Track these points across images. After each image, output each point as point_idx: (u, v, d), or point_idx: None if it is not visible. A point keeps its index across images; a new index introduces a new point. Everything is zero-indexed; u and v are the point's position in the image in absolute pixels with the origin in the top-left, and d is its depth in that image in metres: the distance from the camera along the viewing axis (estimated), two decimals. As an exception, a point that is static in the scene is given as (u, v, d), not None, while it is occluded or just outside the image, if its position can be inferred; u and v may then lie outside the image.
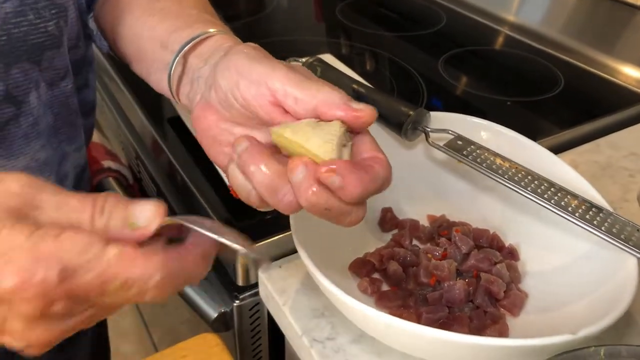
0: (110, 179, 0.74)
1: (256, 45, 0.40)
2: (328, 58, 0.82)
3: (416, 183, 0.54)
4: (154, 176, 0.69)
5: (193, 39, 0.42)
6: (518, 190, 0.44)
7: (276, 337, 0.58)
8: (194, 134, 0.41)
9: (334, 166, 0.32)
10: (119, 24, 0.50)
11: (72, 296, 0.28)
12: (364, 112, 0.35)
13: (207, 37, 0.43)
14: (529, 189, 0.44)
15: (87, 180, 0.59)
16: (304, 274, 0.49)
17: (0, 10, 0.41)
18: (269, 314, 0.53)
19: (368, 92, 0.54)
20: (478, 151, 0.48)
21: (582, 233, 0.43)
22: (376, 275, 0.48)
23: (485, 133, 0.53)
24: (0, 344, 0.30)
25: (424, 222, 0.54)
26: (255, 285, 0.53)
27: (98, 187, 0.73)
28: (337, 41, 0.98)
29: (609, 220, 0.43)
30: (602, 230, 0.42)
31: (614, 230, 0.42)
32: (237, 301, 0.54)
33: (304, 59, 0.63)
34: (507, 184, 0.45)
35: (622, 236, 0.42)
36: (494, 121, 0.54)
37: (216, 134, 0.39)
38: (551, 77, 0.84)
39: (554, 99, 0.79)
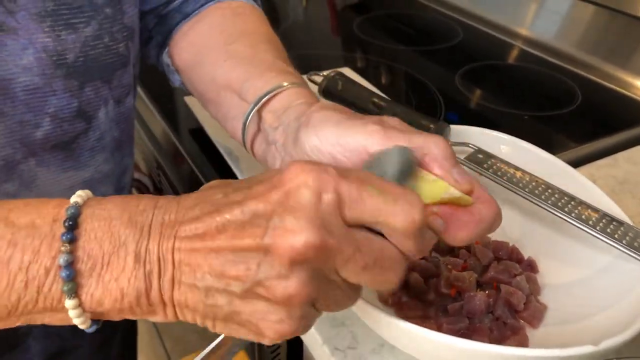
0: (132, 189, 0.75)
1: (331, 103, 0.40)
2: (347, 72, 0.84)
3: (435, 195, 0.54)
4: (175, 185, 0.70)
5: (266, 94, 0.43)
6: (539, 203, 0.45)
7: (295, 346, 0.59)
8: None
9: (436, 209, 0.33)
10: (195, 66, 0.52)
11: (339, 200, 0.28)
12: (463, 182, 0.35)
13: (280, 92, 0.43)
14: (549, 202, 0.45)
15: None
16: (325, 284, 0.50)
17: (81, 34, 0.44)
18: (289, 322, 0.53)
19: (389, 105, 0.55)
20: (498, 164, 0.48)
21: (602, 246, 0.44)
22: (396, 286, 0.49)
23: (505, 147, 0.54)
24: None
25: (443, 234, 0.54)
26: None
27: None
28: (355, 55, 1.00)
29: (630, 233, 0.43)
30: (623, 243, 0.42)
31: (635, 243, 0.42)
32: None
33: (324, 73, 0.65)
34: (527, 197, 0.45)
35: (643, 250, 0.42)
36: (511, 135, 0.54)
37: None
38: (568, 91, 0.85)
39: (571, 114, 0.80)
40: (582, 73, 0.90)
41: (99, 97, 0.47)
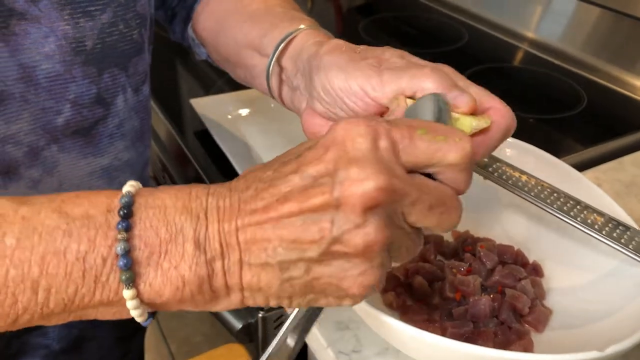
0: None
1: (340, 43, 0.41)
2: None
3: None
4: (180, 188, 0.71)
5: (281, 42, 0.44)
6: (544, 207, 0.45)
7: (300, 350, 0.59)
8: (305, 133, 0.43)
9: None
10: (218, 32, 0.53)
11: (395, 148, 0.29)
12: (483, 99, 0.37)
13: (294, 37, 0.44)
14: (555, 206, 0.45)
15: None
16: (329, 287, 0.50)
17: (98, 21, 0.46)
18: (293, 325, 0.53)
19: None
20: (504, 168, 0.48)
21: (607, 250, 0.44)
22: (401, 290, 0.49)
23: (510, 150, 0.53)
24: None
25: (448, 237, 0.54)
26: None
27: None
28: (360, 57, 1.00)
29: (636, 238, 0.43)
30: (629, 248, 0.42)
31: (640, 248, 0.42)
32: (262, 312, 0.55)
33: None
34: (533, 201, 0.45)
35: (649, 254, 0.42)
36: (516, 138, 0.54)
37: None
38: (574, 94, 0.85)
39: (577, 117, 0.79)
40: (588, 75, 0.90)
41: (116, 83, 0.49)
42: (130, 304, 0.29)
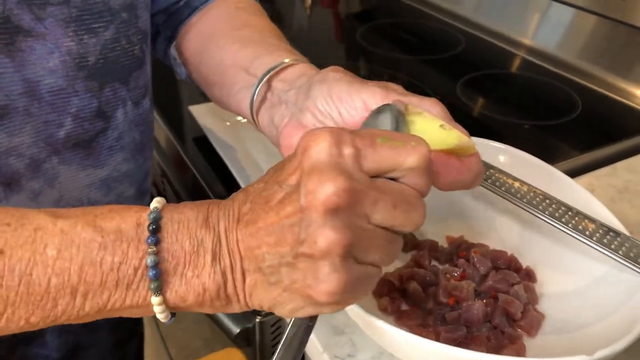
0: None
1: (341, 68, 0.43)
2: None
3: (435, 204, 0.55)
4: (179, 193, 0.71)
5: (278, 65, 0.45)
6: (536, 213, 0.45)
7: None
8: (279, 150, 0.44)
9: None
10: (202, 52, 0.55)
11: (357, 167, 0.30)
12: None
13: (291, 65, 0.46)
14: (547, 212, 0.45)
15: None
16: (325, 292, 0.51)
17: (101, 38, 0.47)
18: (290, 330, 0.54)
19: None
20: (497, 175, 0.49)
21: (599, 256, 0.44)
22: (396, 295, 0.49)
23: (504, 157, 0.54)
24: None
25: (443, 243, 0.55)
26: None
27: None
28: (358, 64, 1.00)
29: (626, 244, 0.44)
30: (619, 254, 0.43)
31: (631, 254, 0.43)
32: (259, 317, 0.55)
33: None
34: (525, 208, 0.46)
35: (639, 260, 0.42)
36: (511, 144, 0.55)
37: None
38: (569, 100, 0.86)
39: (572, 123, 0.80)
40: (583, 82, 0.91)
41: (117, 97, 0.50)
42: (157, 308, 0.32)
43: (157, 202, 0.33)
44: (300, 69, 0.45)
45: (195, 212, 0.33)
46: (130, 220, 0.32)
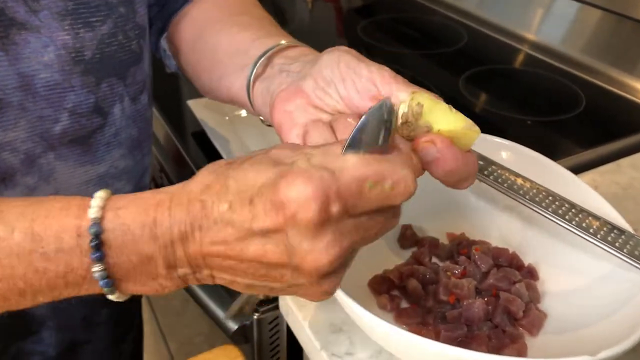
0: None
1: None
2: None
3: (436, 201, 0.54)
4: (177, 189, 0.71)
5: (282, 44, 0.45)
6: (539, 211, 0.44)
7: (294, 351, 0.59)
8: (271, 118, 0.42)
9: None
10: (196, 39, 0.54)
11: (342, 197, 0.30)
12: None
13: (295, 46, 0.45)
14: (550, 209, 0.44)
15: None
16: (324, 289, 0.50)
17: (97, 32, 0.46)
18: (288, 327, 0.53)
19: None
20: (499, 171, 0.48)
21: (603, 254, 0.44)
22: (395, 292, 0.49)
23: (506, 153, 0.53)
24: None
25: (444, 240, 0.54)
26: (275, 299, 0.54)
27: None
28: (359, 58, 0.99)
29: (630, 242, 0.43)
30: (624, 252, 0.42)
31: (636, 252, 0.42)
32: (257, 314, 0.55)
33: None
34: (528, 205, 0.45)
35: (644, 258, 0.42)
36: (514, 140, 0.54)
37: (296, 116, 0.40)
38: (572, 96, 0.85)
39: (575, 119, 0.79)
40: (587, 78, 0.90)
41: (114, 93, 0.49)
42: (112, 297, 0.32)
43: (96, 208, 0.31)
44: (306, 49, 0.45)
45: (139, 223, 0.31)
46: (70, 229, 0.31)
